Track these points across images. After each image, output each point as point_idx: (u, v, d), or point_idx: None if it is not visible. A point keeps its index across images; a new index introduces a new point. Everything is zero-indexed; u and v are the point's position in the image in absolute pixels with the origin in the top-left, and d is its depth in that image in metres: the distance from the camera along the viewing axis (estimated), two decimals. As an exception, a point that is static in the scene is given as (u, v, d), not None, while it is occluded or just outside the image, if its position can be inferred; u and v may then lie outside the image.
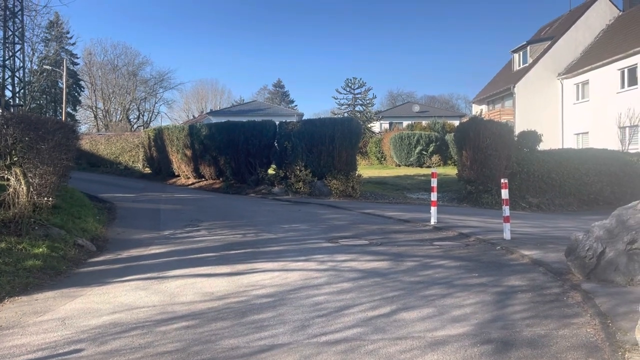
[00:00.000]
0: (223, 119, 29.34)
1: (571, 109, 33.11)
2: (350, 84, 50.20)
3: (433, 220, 11.30)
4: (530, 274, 6.75)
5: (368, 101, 50.84)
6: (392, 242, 9.24)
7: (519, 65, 37.25)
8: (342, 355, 4.15)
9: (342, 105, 50.85)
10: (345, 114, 47.84)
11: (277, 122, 20.38)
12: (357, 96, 50.54)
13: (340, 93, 50.69)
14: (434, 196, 11.53)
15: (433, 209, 11.42)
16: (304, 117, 46.72)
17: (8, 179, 9.27)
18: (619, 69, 28.74)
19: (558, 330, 4.67)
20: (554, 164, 18.35)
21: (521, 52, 37.17)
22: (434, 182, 11.53)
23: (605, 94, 29.60)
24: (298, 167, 18.31)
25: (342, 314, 5.15)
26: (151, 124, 74.13)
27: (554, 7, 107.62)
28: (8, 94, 19.94)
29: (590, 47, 33.66)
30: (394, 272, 6.98)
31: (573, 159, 18.88)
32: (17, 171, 9.14)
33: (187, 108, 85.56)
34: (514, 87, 34.27)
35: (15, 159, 9.22)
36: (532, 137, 18.84)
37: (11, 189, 8.98)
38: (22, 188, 9.00)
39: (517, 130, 23.58)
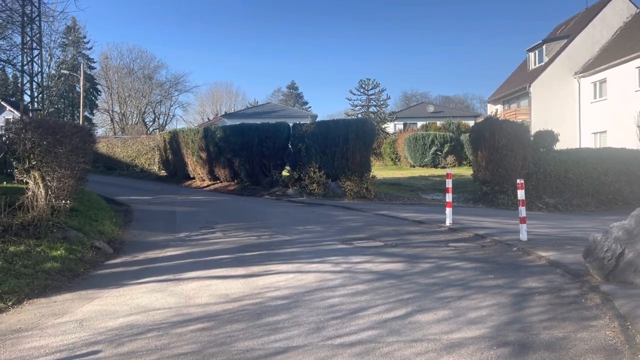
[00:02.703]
0: (237, 121, 29.45)
1: (588, 108, 32.68)
2: (364, 85, 50.16)
3: (448, 222, 11.23)
4: (547, 275, 6.66)
5: (382, 102, 50.76)
6: (407, 244, 9.20)
7: (535, 64, 36.85)
8: (357, 358, 4.13)
9: (356, 106, 50.82)
10: (359, 115, 47.82)
11: (290, 124, 20.47)
12: (371, 97, 50.48)
13: (354, 94, 50.69)
14: (449, 197, 11.46)
15: (448, 210, 11.34)
16: (318, 119, 46.83)
17: (27, 183, 9.43)
18: (637, 67, 28.27)
19: (576, 332, 4.60)
20: (571, 164, 18.14)
21: (537, 51, 36.77)
22: (449, 183, 11.46)
23: (624, 92, 29.16)
24: (312, 169, 18.33)
25: (357, 316, 5.13)
26: (167, 127, 74.85)
27: (570, 5, 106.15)
28: (27, 98, 20.25)
29: (608, 45, 33.19)
30: (409, 273, 6.94)
31: (591, 158, 18.65)
32: (36, 175, 9.28)
33: (202, 111, 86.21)
34: (529, 86, 33.91)
35: (33, 162, 9.37)
36: (548, 137, 18.63)
37: (30, 192, 9.13)
38: (41, 191, 9.14)
39: (533, 130, 23.31)
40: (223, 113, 67.59)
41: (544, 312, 5.20)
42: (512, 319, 5.00)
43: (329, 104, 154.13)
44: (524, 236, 9.05)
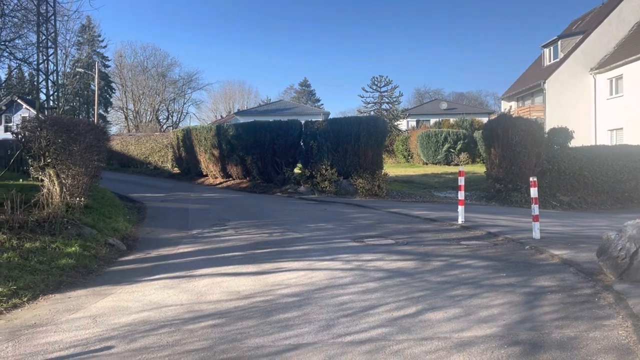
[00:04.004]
0: (250, 119, 29.60)
1: (604, 105, 32.25)
2: (376, 82, 49.99)
3: (460, 220, 11.17)
4: (560, 274, 6.61)
5: (395, 99, 50.53)
6: (419, 242, 9.17)
7: (550, 61, 36.44)
8: (367, 356, 4.14)
9: (369, 103, 50.69)
10: (372, 112, 47.70)
11: (302, 122, 20.47)
12: (383, 94, 50.30)
13: (367, 91, 50.55)
14: (461, 195, 11.40)
15: (460, 208, 11.28)
16: (330, 116, 46.79)
17: (42, 180, 9.56)
18: (654, 63, 27.82)
19: (589, 332, 4.56)
20: (586, 161, 17.93)
21: (552, 47, 36.36)
22: (461, 181, 11.40)
23: (641, 88, 28.72)
24: (324, 166, 18.34)
25: (367, 314, 5.14)
26: (180, 125, 75.33)
27: (586, 0, 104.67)
28: (42, 96, 20.48)
29: (624, 40, 32.69)
30: (420, 271, 6.93)
31: (606, 155, 18.41)
32: (51, 172, 9.41)
33: (215, 108, 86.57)
34: (544, 82, 33.54)
35: (48, 160, 9.50)
36: (562, 134, 18.43)
37: (45, 190, 9.25)
38: (56, 189, 9.26)
39: (548, 127, 23.09)
40: (236, 110, 67.85)
41: (556, 311, 5.16)
42: (524, 317, 4.97)
43: (341, 101, 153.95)
44: (536, 234, 8.98)
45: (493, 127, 17.83)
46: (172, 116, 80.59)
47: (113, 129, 69.28)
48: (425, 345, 4.32)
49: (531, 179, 9.50)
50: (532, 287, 6.02)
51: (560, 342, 4.33)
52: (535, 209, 9.11)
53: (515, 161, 16.91)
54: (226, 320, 5.03)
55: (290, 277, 6.73)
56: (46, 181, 9.46)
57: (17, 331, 4.85)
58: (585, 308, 5.22)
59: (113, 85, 72.44)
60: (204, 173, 25.74)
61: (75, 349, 4.39)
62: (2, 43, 16.04)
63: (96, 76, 45.09)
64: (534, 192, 9.31)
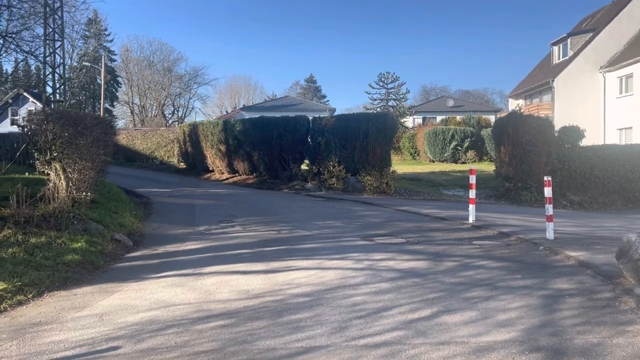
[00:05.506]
0: (256, 115, 29.43)
1: (614, 103, 31.91)
2: (383, 79, 49.65)
3: (471, 219, 10.99)
4: (577, 276, 6.43)
5: (401, 96, 50.18)
6: (430, 241, 9.00)
7: (559, 59, 36.09)
8: (383, 360, 3.99)
9: (375, 100, 50.36)
10: (378, 109, 47.40)
11: (310, 118, 20.29)
12: (390, 91, 49.96)
13: (373, 88, 50.21)
14: (472, 193, 11.22)
15: (471, 207, 11.10)
16: (336, 112, 46.64)
17: (48, 174, 9.44)
18: (666, 62, 27.47)
19: (612, 338, 4.40)
20: (597, 160, 17.70)
21: (561, 45, 36.00)
22: (473, 179, 11.22)
23: (651, 87, 28.37)
24: (331, 163, 18.17)
25: (381, 316, 4.98)
26: (185, 120, 75.12)
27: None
28: (49, 90, 20.40)
29: (635, 39, 32.31)
30: (433, 272, 6.77)
31: (618, 155, 18.18)
32: (57, 166, 9.29)
33: (221, 104, 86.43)
34: (553, 80, 33.21)
35: (55, 154, 9.38)
36: (574, 133, 18.20)
37: (51, 184, 9.14)
38: (62, 183, 9.14)
39: (557, 125, 22.79)
40: (241, 106, 67.67)
41: (576, 315, 4.99)
42: (543, 322, 4.81)
43: (347, 97, 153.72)
44: (550, 235, 8.80)
45: (503, 125, 17.62)
46: (177, 111, 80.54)
47: (119, 123, 69.25)
48: (442, 350, 4.17)
49: (545, 178, 9.30)
50: (549, 290, 5.85)
51: (583, 349, 4.17)
52: (550, 208, 8.91)
53: (526, 160, 16.70)
54: (236, 321, 4.89)
55: (300, 276, 6.59)
56: (52, 175, 9.35)
57: (21, 329, 4.73)
58: (607, 313, 5.05)
59: (119, 79, 72.41)
60: (210, 168, 25.62)
61: (81, 348, 4.26)
62: (9, 35, 15.94)
63: (102, 70, 45.02)
64: (548, 191, 9.11)
